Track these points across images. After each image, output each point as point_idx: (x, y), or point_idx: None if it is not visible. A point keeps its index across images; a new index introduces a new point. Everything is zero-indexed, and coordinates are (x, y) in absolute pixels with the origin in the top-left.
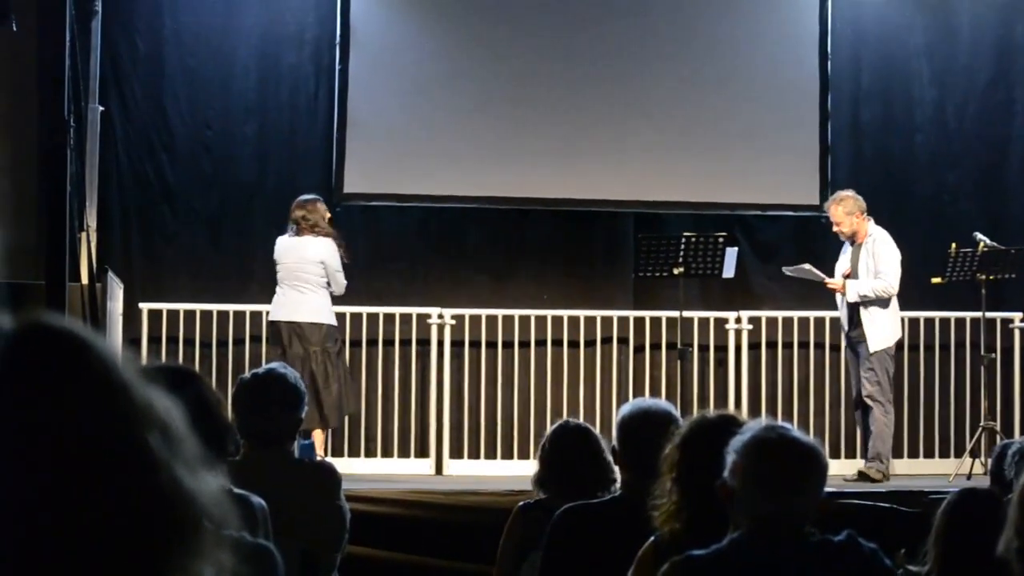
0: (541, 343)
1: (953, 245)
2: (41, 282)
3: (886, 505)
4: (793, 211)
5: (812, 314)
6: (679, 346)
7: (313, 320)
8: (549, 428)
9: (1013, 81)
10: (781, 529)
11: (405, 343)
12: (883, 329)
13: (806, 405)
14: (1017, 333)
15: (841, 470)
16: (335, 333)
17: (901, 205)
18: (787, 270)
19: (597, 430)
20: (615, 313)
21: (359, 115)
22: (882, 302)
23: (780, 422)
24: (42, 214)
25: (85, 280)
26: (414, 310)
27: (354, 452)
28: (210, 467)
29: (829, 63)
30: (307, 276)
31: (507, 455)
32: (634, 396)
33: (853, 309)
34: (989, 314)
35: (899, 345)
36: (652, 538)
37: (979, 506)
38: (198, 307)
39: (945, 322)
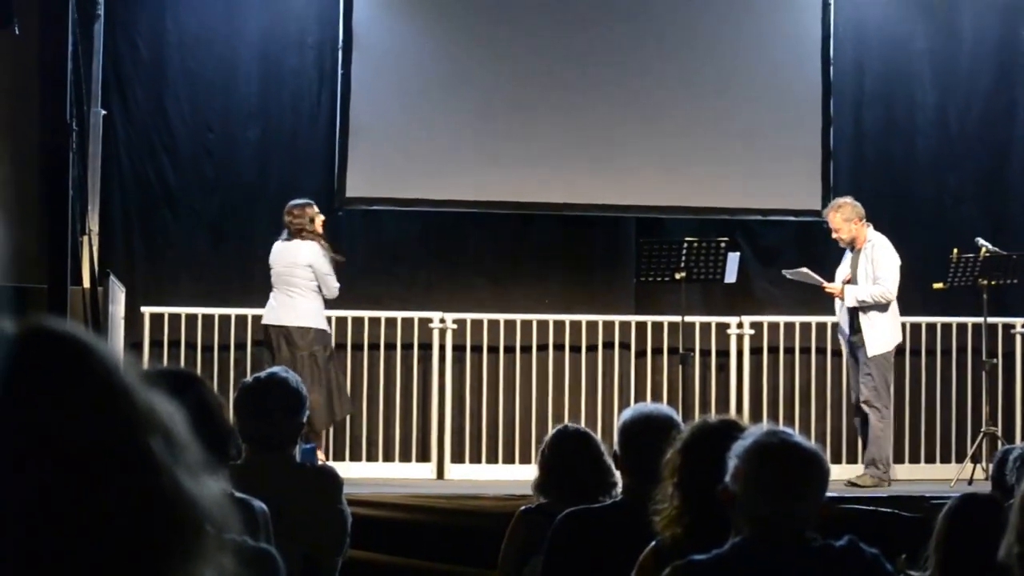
0: (542, 348)
1: (955, 250)
2: (43, 286)
3: (887, 510)
4: (795, 216)
5: (814, 319)
6: (681, 351)
7: (301, 324)
8: (549, 433)
9: (1015, 85)
10: (782, 534)
11: (406, 347)
12: (882, 334)
13: (808, 410)
14: (1019, 338)
15: (842, 475)
16: (325, 338)
17: (903, 209)
18: (786, 273)
19: (599, 435)
20: (617, 318)
21: (361, 119)
22: (881, 307)
23: (782, 427)
24: (44, 217)
25: (87, 284)
26: (415, 314)
27: (356, 456)
28: (212, 471)
29: (831, 67)
30: (296, 280)
31: (508, 459)
32: (636, 401)
33: (853, 314)
34: (991, 319)
35: (901, 350)
36: (653, 543)
37: (980, 511)
38: (200, 311)
39: (947, 327)
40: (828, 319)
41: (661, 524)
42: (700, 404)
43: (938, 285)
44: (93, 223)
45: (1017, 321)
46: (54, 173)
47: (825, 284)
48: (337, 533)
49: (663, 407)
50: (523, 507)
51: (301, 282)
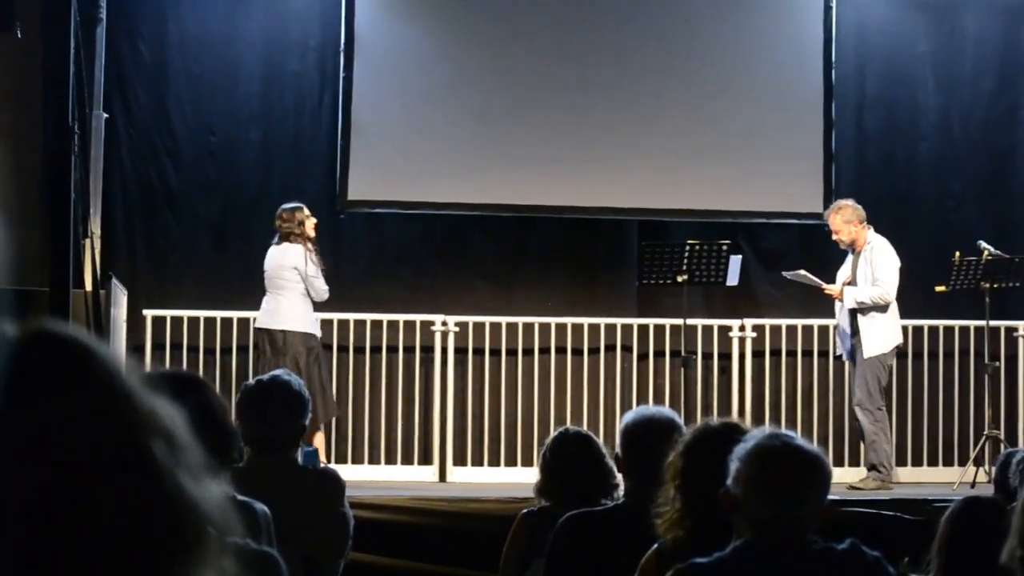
0: (545, 350)
1: (957, 253)
2: (45, 288)
3: (890, 513)
4: (797, 219)
5: (816, 322)
6: (683, 354)
7: (283, 327)
8: (550, 436)
9: (1018, 88)
10: (784, 537)
11: (409, 350)
12: (879, 336)
13: (810, 413)
14: (1021, 342)
15: (844, 478)
16: (309, 340)
17: (905, 213)
18: (786, 274)
19: (601, 438)
20: (619, 321)
21: (363, 122)
22: (880, 309)
23: (784, 430)
24: (46, 220)
25: (89, 287)
26: (418, 317)
27: (358, 459)
28: (214, 474)
29: (833, 70)
30: (283, 283)
31: (511, 462)
32: (638, 404)
33: (853, 316)
34: (993, 322)
35: (903, 353)
36: (655, 545)
37: (983, 514)
38: (202, 314)
39: (949, 330)
40: (830, 322)
41: (663, 527)
42: (702, 407)
43: (940, 288)
44: (95, 226)
45: (1019, 324)
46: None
47: (824, 286)
48: (339, 536)
49: (665, 410)
50: (525, 510)
51: (287, 284)
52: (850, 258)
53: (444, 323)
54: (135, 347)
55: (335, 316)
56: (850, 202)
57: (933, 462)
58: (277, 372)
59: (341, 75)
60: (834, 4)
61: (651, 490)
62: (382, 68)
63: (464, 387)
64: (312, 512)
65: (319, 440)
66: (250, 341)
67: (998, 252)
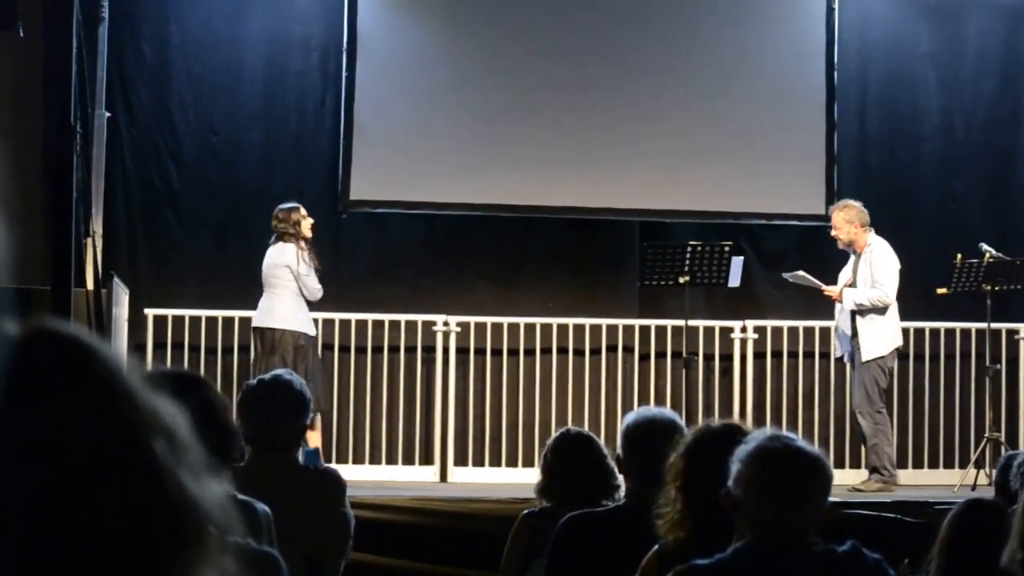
0: (546, 351)
1: (959, 255)
2: (47, 287)
3: (891, 515)
4: (799, 220)
5: (817, 323)
6: (684, 355)
7: (276, 325)
8: (552, 437)
9: (1020, 90)
10: (785, 539)
11: (410, 350)
12: (878, 338)
13: (811, 414)
14: (1022, 344)
15: (845, 480)
16: (302, 339)
17: (907, 214)
18: (785, 276)
19: (602, 439)
20: (620, 321)
21: (365, 122)
22: (879, 311)
23: (784, 431)
24: (48, 219)
25: (91, 286)
26: (419, 317)
27: (359, 459)
28: (215, 473)
29: (836, 72)
30: (276, 282)
31: (512, 463)
32: (639, 404)
33: (852, 319)
34: (994, 325)
35: (904, 355)
36: (656, 547)
37: (985, 517)
38: (204, 313)
39: (950, 332)
40: (831, 323)
41: (664, 528)
42: (703, 408)
43: (942, 290)
44: (97, 225)
45: (1021, 327)
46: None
47: (823, 287)
48: (340, 536)
49: (666, 411)
50: (526, 510)
51: (280, 283)
52: (852, 260)
53: (445, 323)
54: (136, 346)
55: (336, 316)
56: (857, 204)
57: (934, 464)
58: (279, 372)
59: (343, 75)
60: (836, 5)
61: (652, 491)
62: (384, 68)
63: (465, 387)
64: (313, 512)
65: (314, 438)
66: (251, 341)
67: (1000, 254)
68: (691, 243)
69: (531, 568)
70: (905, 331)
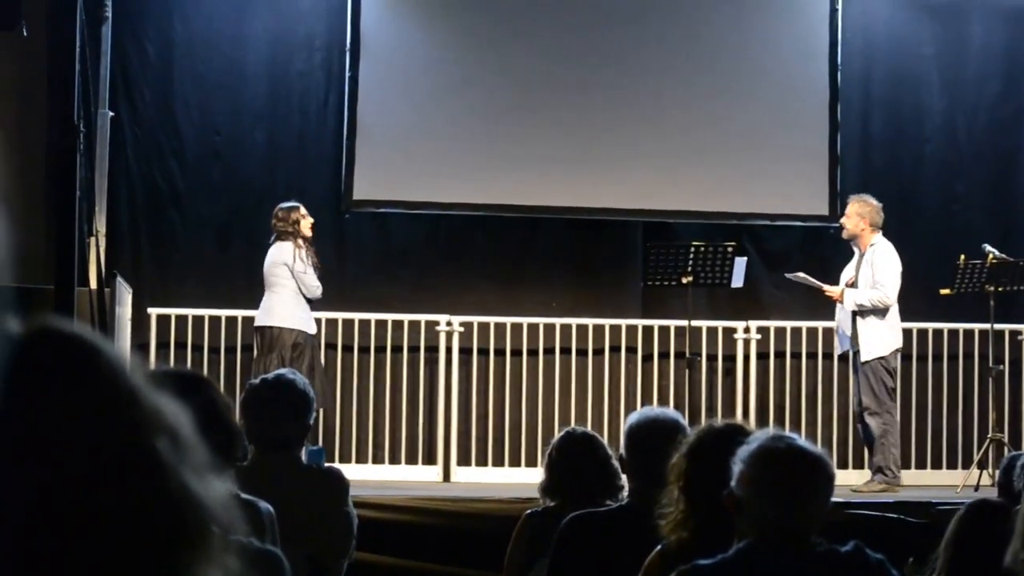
0: (549, 351)
1: (962, 256)
2: (50, 286)
3: (894, 516)
4: (802, 221)
5: (820, 324)
6: (687, 355)
7: (275, 324)
8: (556, 436)
9: (1023, 91)
10: (787, 539)
11: (413, 350)
12: (878, 338)
13: (814, 415)
14: None
15: (848, 480)
16: (300, 337)
17: (910, 215)
18: (787, 276)
19: (605, 439)
20: (623, 322)
21: (369, 122)
22: (879, 312)
23: (787, 432)
24: (51, 218)
25: (94, 285)
26: (422, 317)
27: (362, 459)
28: (218, 472)
29: (839, 73)
30: (273, 280)
31: (515, 463)
32: (642, 405)
33: (853, 319)
34: (997, 326)
35: (907, 356)
36: (659, 547)
37: (991, 518)
38: (207, 312)
39: (953, 333)
40: (834, 324)
41: (667, 528)
42: (706, 408)
43: (945, 291)
44: (100, 224)
45: (1023, 327)
46: (61, 174)
47: (825, 288)
48: (343, 535)
49: (669, 411)
50: (529, 510)
51: (279, 282)
52: (854, 259)
53: (448, 323)
54: (139, 345)
55: (340, 316)
56: (875, 203)
57: (937, 465)
58: (282, 371)
59: (347, 75)
60: (840, 6)
61: (655, 491)
62: (388, 68)
63: (468, 387)
64: (316, 511)
65: None
66: (253, 340)
67: (1003, 255)
68: (694, 243)
69: (534, 568)
70: (908, 332)
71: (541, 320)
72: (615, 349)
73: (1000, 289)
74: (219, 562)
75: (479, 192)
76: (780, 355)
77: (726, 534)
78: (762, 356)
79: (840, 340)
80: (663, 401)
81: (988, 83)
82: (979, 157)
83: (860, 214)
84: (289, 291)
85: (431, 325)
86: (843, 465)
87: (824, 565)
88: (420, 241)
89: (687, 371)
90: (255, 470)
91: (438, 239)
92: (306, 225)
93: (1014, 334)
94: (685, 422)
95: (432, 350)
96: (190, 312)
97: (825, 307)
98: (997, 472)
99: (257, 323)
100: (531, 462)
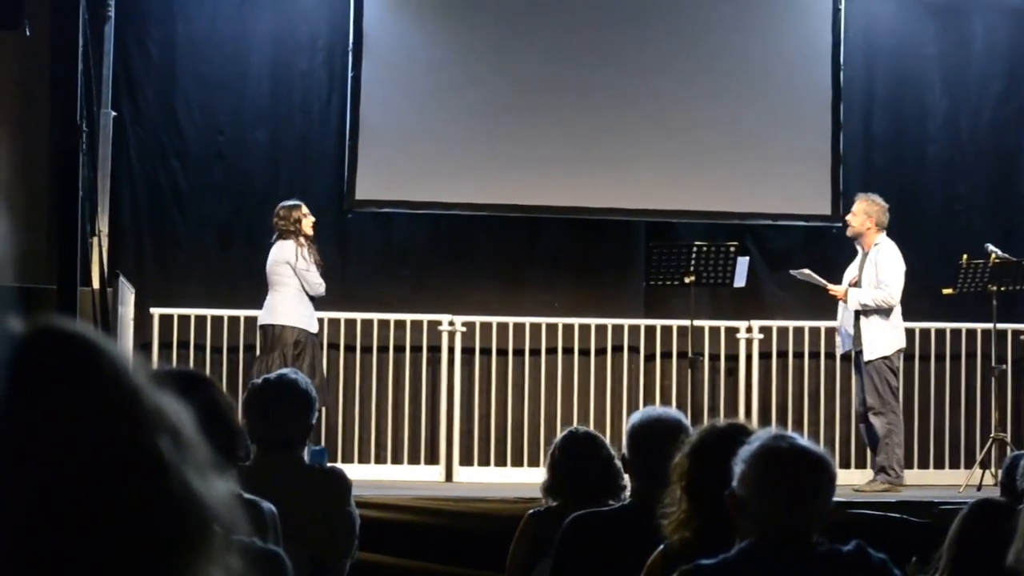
0: (552, 351)
1: (964, 256)
2: (52, 286)
3: (896, 515)
4: (805, 221)
5: (823, 324)
6: (690, 355)
7: (277, 322)
8: (558, 436)
9: None
10: (789, 538)
11: (416, 350)
12: (880, 338)
13: (816, 415)
14: None
15: (850, 480)
16: (302, 335)
17: (913, 215)
18: (792, 272)
19: (607, 438)
20: (626, 321)
21: (371, 122)
22: (882, 312)
23: (788, 431)
24: (54, 218)
25: (96, 284)
26: (425, 317)
27: (364, 458)
28: (220, 472)
29: (841, 73)
30: (275, 279)
31: (517, 463)
32: (644, 404)
33: (856, 318)
34: (1000, 325)
35: (910, 355)
36: (661, 546)
37: (994, 518)
38: (209, 312)
39: (956, 333)
40: (836, 323)
41: (669, 528)
42: (709, 408)
43: (948, 290)
44: (103, 224)
45: None
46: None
47: (829, 286)
48: (345, 535)
49: (672, 411)
50: (531, 510)
51: (282, 280)
52: (858, 258)
53: (451, 323)
54: (142, 345)
55: (342, 315)
56: (882, 203)
57: (940, 465)
58: (284, 371)
59: (349, 75)
60: (843, 6)
61: (658, 491)
62: (390, 68)
63: (471, 387)
64: (319, 511)
65: None
66: (257, 339)
67: (1005, 255)
68: (697, 243)
69: (536, 568)
70: (911, 331)
71: (543, 320)
72: (617, 349)
73: (1002, 289)
74: (221, 562)
75: (481, 192)
76: (782, 355)
77: (728, 534)
78: (764, 356)
79: (842, 339)
80: (665, 401)
81: (990, 83)
82: (981, 157)
83: (867, 213)
84: (292, 290)
85: (433, 325)
86: (845, 465)
87: (826, 565)
88: (422, 241)
89: (689, 371)
90: (257, 470)
91: (440, 239)
92: (307, 224)
93: (1016, 334)
94: (687, 422)
95: (434, 350)
96: (192, 312)
97: (827, 307)
98: (1000, 472)
99: (260, 321)
100: (533, 462)
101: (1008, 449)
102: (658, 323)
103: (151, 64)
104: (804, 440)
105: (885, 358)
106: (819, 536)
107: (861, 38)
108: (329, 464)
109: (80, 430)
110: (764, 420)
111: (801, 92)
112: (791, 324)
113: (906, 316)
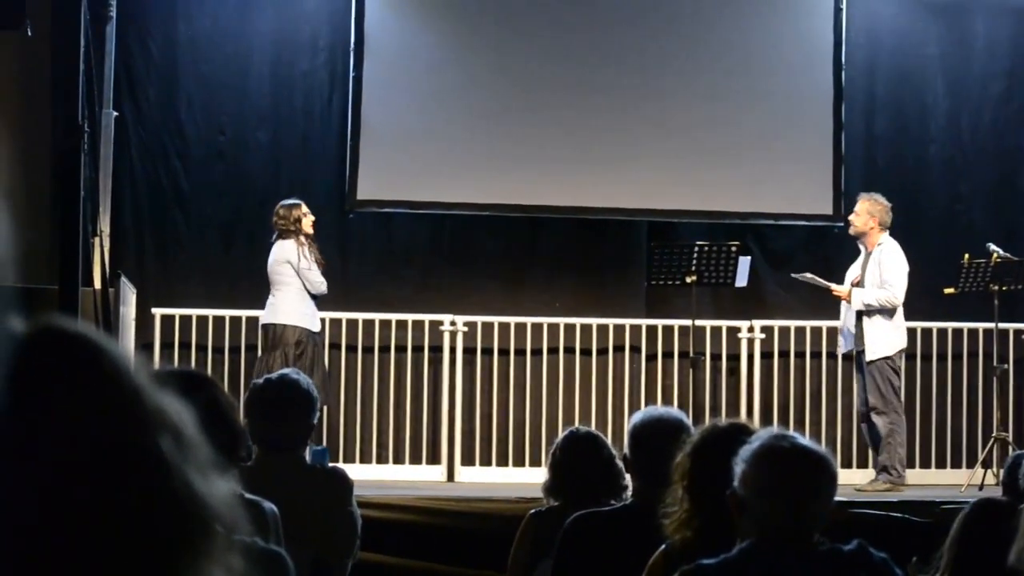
0: (553, 351)
1: (966, 255)
2: (54, 286)
3: (898, 515)
4: (806, 220)
5: (824, 323)
6: (691, 355)
7: (278, 321)
8: (559, 436)
9: None
10: (790, 538)
11: (417, 350)
12: (883, 338)
13: (817, 414)
14: None
15: (852, 479)
16: (303, 335)
17: (914, 215)
18: (794, 276)
19: (609, 438)
20: (627, 321)
21: (373, 122)
22: (885, 312)
23: (790, 431)
24: (55, 218)
25: (98, 285)
26: (426, 317)
27: (366, 458)
28: (222, 472)
29: (843, 72)
30: (279, 279)
31: (519, 463)
32: (646, 404)
33: (859, 318)
34: (1001, 325)
35: (911, 355)
36: (663, 546)
37: (996, 517)
38: (211, 312)
39: (958, 332)
40: (838, 323)
41: (671, 527)
42: (710, 408)
43: (949, 290)
44: (104, 224)
45: None
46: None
47: (832, 287)
48: (347, 535)
49: (673, 410)
50: (533, 510)
51: (283, 280)
52: (860, 258)
53: (452, 323)
54: (144, 345)
55: (343, 315)
56: (885, 203)
57: (941, 464)
58: (286, 371)
59: (350, 75)
60: (844, 6)
61: (659, 490)
62: (391, 68)
63: (472, 387)
64: (320, 511)
65: None
66: (259, 340)
67: (1007, 254)
68: (698, 243)
69: (538, 568)
70: (912, 331)
71: (545, 320)
72: (619, 349)
73: (1004, 288)
74: (223, 562)
75: (483, 192)
76: (784, 354)
77: (730, 534)
78: (766, 355)
79: (844, 339)
80: (667, 400)
81: (992, 82)
82: (983, 156)
83: (870, 212)
84: (294, 289)
85: (435, 325)
86: (847, 464)
87: (827, 564)
88: (424, 241)
89: (691, 370)
90: (259, 470)
91: (442, 239)
92: (307, 223)
93: (1018, 333)
94: (689, 421)
95: (436, 350)
96: (194, 312)
97: (828, 307)
98: (1001, 471)
99: (262, 321)
100: (535, 462)
101: (1010, 449)
102: (659, 323)
103: (152, 64)
104: (805, 440)
105: (887, 358)
106: (820, 536)
107: (862, 38)
108: (331, 464)
109: (82, 430)
110: (765, 420)
111: (802, 92)
112: (792, 324)
113: (908, 316)
